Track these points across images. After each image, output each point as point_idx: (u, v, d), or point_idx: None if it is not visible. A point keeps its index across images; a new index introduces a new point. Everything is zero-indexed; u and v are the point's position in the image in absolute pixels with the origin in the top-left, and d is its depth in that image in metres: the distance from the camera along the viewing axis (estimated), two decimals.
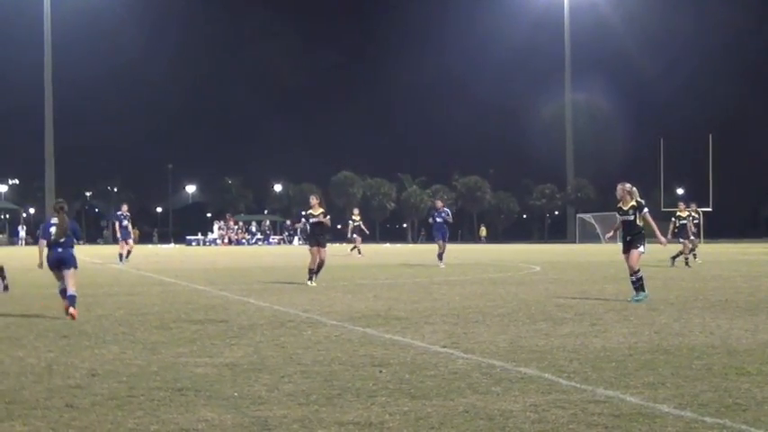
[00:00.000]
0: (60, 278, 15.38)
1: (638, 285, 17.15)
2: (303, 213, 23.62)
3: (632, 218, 17.18)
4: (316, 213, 22.95)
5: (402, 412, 7.44)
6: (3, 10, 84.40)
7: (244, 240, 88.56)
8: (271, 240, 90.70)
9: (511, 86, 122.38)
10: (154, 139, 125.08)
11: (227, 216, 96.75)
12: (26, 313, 15.41)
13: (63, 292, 15.12)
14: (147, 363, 9.92)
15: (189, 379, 8.91)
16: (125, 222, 36.99)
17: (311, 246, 22.98)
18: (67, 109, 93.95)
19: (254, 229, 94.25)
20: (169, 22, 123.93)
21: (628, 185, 17.48)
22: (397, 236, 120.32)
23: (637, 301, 16.82)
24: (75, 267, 15.40)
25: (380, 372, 9.25)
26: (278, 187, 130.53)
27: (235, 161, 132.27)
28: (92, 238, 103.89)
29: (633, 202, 17.26)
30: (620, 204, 17.49)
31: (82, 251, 54.74)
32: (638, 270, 17.12)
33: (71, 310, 14.55)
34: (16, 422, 7.13)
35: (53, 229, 15.40)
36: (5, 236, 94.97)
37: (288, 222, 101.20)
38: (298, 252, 53.98)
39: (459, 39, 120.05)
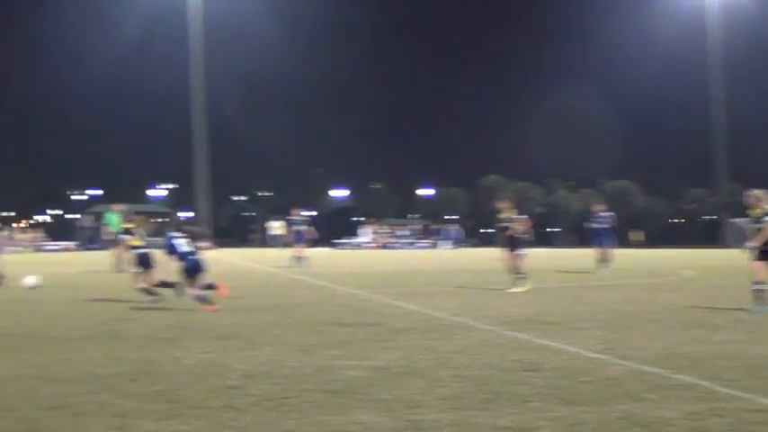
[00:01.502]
0: (193, 284, 16.85)
1: (759, 296, 16.28)
2: (499, 217, 23.27)
3: (761, 226, 16.38)
4: (506, 218, 22.81)
5: (556, 418, 7.37)
6: (153, 12, 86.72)
7: (393, 244, 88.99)
8: (418, 244, 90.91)
9: (655, 88, 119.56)
10: (303, 144, 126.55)
11: (371, 220, 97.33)
12: (183, 316, 15.76)
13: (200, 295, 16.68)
14: (301, 365, 10.05)
15: (342, 381, 8.99)
16: (299, 226, 37.01)
17: (504, 249, 22.87)
18: (221, 114, 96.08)
19: (401, 233, 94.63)
20: (318, 31, 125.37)
21: (756, 191, 16.77)
22: (546, 240, 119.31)
23: (757, 312, 15.91)
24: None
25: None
26: (425, 191, 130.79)
27: (382, 165, 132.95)
28: (242, 242, 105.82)
29: (759, 210, 16.48)
30: (749, 211, 16.84)
31: (239, 255, 55.84)
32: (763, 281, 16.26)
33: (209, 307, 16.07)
34: (176, 421, 7.30)
35: (181, 241, 17.31)
36: (160, 239, 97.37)
37: (435, 226, 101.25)
38: (443, 256, 54.01)
39: (601, 38, 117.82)
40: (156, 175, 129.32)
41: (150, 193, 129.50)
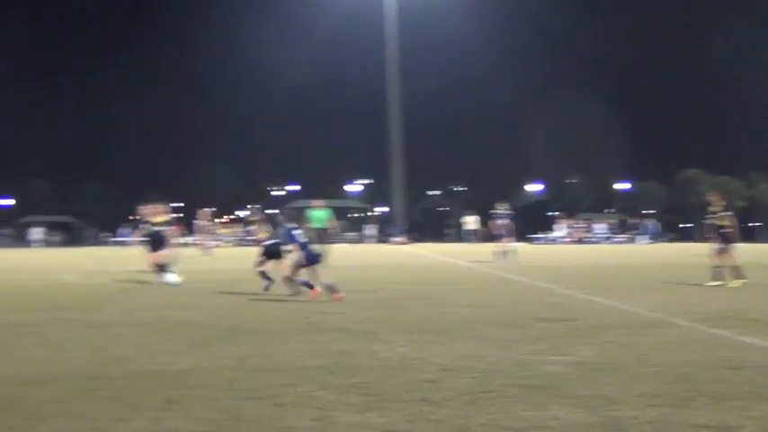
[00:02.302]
0: (312, 274, 17.92)
1: None
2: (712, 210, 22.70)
3: None
4: (715, 211, 22.30)
5: (758, 417, 7.17)
6: (350, 11, 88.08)
7: (589, 239, 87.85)
8: (615, 239, 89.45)
9: None
10: (497, 139, 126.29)
11: (564, 215, 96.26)
12: (380, 311, 15.94)
13: (327, 286, 17.75)
14: (498, 359, 10.04)
15: (539, 376, 8.94)
16: (503, 220, 36.92)
17: (713, 243, 22.36)
18: (417, 110, 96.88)
19: (597, 227, 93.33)
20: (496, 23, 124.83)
21: None
22: (748, 235, 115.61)
23: None
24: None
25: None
26: (621, 185, 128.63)
27: (578, 159, 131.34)
28: (437, 237, 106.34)
29: None
30: None
31: (433, 249, 56.17)
32: None
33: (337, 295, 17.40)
34: (373, 414, 7.40)
35: (299, 232, 18.17)
36: (357, 234, 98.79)
37: (632, 221, 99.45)
38: (641, 251, 52.99)
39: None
40: (353, 171, 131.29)
41: (347, 188, 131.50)
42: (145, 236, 24.11)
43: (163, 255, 23.43)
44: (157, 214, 24.07)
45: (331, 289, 17.76)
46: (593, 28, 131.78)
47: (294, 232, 18.32)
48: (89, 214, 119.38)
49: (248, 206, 34.39)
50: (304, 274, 18.22)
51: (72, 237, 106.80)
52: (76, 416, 7.35)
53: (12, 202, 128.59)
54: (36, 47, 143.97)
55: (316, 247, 18.53)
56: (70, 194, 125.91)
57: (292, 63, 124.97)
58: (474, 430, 6.86)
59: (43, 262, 42.19)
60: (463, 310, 15.66)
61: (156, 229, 23.77)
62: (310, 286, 17.95)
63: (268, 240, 20.01)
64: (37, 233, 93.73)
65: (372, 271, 29.82)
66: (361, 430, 6.88)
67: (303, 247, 18.19)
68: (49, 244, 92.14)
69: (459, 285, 22.05)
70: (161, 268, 23.10)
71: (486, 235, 62.45)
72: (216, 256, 43.50)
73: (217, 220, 70.65)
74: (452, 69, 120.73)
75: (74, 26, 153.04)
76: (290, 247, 18.50)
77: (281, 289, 18.70)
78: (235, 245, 69.98)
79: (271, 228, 19.88)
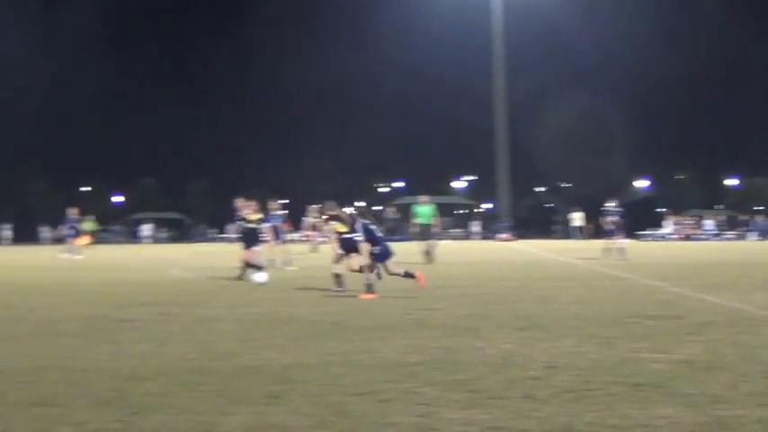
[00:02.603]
0: (387, 268, 18.56)
1: None
2: None
3: None
4: None
5: None
6: (456, 6, 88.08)
7: (697, 236, 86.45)
8: (724, 236, 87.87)
9: None
10: (603, 135, 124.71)
11: (671, 211, 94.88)
12: (483, 307, 15.89)
13: (407, 274, 18.61)
14: (603, 357, 9.92)
15: (645, 374, 8.80)
16: (612, 217, 36.48)
17: None
18: (522, 106, 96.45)
19: (706, 224, 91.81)
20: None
21: None
22: None
23: None
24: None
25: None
26: (730, 181, 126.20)
27: (685, 156, 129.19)
28: (543, 234, 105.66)
29: None
30: None
31: (539, 246, 55.84)
32: None
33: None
34: (478, 410, 7.36)
35: (374, 227, 18.63)
36: (463, 230, 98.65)
37: (742, 217, 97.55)
38: (750, 248, 51.96)
39: None
40: (459, 167, 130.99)
41: (453, 185, 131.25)
42: (239, 232, 24.34)
43: (254, 252, 23.62)
44: (251, 211, 24.28)
45: (369, 288, 18.07)
46: (715, 24, 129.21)
47: (370, 227, 18.65)
48: (197, 211, 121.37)
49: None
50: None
51: (181, 233, 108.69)
52: (182, 410, 7.45)
53: (122, 199, 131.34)
54: (146, 46, 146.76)
55: (389, 244, 18.87)
56: (179, 191, 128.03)
57: (400, 60, 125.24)
58: (578, 428, 6.79)
59: (152, 258, 42.99)
60: (568, 307, 15.52)
61: (250, 226, 23.97)
62: (411, 275, 18.52)
63: (345, 234, 20.09)
64: (146, 230, 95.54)
65: (477, 267, 29.76)
66: (466, 427, 6.85)
67: (377, 242, 18.46)
68: (157, 240, 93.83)
69: (565, 282, 21.86)
70: (251, 266, 23.32)
71: (593, 231, 61.76)
72: (323, 252, 43.87)
73: (324, 217, 70.95)
74: (559, 65, 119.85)
75: (177, 23, 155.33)
76: (363, 241, 18.63)
77: (384, 285, 18.74)
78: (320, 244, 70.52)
79: (348, 221, 19.94)
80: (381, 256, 18.57)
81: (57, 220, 63.56)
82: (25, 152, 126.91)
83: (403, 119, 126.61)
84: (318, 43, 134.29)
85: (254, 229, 23.89)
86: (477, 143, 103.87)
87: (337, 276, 19.38)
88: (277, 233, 29.56)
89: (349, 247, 19.41)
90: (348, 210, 20.40)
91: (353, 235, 19.01)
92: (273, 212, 30.67)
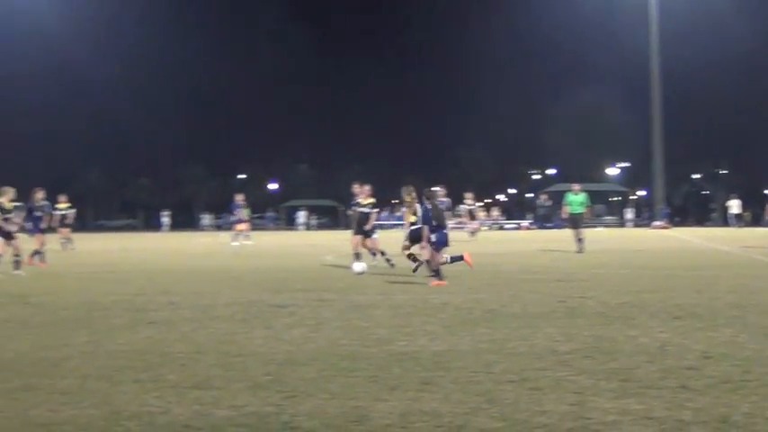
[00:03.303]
0: (437, 256, 18.39)
1: None
2: None
3: None
4: None
5: None
6: None
7: None
8: None
9: None
10: (761, 121, 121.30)
11: None
12: (636, 295, 15.65)
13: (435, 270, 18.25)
14: (762, 347, 9.67)
15: None
16: None
17: None
18: (677, 91, 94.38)
19: None
20: None
21: None
22: None
23: None
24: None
25: None
26: None
27: None
28: (700, 222, 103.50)
29: None
30: None
31: (695, 234, 54.66)
32: None
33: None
34: (632, 399, 7.27)
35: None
36: (616, 218, 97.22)
37: None
38: None
39: None
40: (613, 154, 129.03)
41: (608, 171, 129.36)
42: (354, 218, 24.20)
43: (367, 241, 23.62)
44: (365, 195, 24.17)
45: (437, 274, 18.16)
46: None
47: (429, 213, 18.59)
48: (350, 198, 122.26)
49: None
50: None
51: (334, 220, 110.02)
52: (337, 395, 7.56)
53: (277, 186, 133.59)
54: (303, 34, 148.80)
55: (445, 232, 18.78)
56: (333, 178, 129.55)
57: (553, 46, 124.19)
58: (736, 419, 6.65)
59: (307, 245, 43.59)
60: (725, 295, 15.16)
61: (364, 210, 23.86)
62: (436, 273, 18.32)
63: (414, 225, 20.16)
64: (301, 216, 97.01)
65: (630, 255, 29.31)
66: (619, 416, 6.78)
67: (434, 228, 18.43)
68: (311, 227, 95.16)
69: (722, 271, 21.34)
70: (372, 252, 23.40)
71: (752, 219, 60.08)
72: (480, 240, 43.92)
73: (478, 204, 70.85)
74: (715, 49, 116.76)
75: (337, 16, 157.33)
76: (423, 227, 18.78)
77: (536, 273, 18.61)
78: (492, 229, 70.38)
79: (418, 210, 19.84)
80: (438, 244, 18.49)
81: (218, 207, 65.22)
82: (183, 140, 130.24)
83: (556, 104, 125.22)
84: (471, 31, 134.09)
85: (366, 214, 23.78)
86: (633, 129, 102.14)
87: (409, 256, 20.45)
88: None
89: (415, 237, 19.51)
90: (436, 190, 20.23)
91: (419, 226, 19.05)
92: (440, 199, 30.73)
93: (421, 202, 19.18)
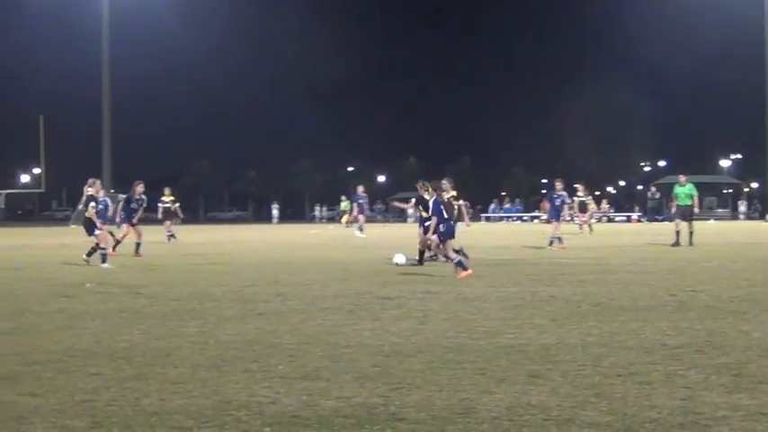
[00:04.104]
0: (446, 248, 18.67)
1: None
2: None
3: None
4: None
5: None
6: None
7: None
8: None
9: None
10: None
11: None
12: (747, 288, 15.36)
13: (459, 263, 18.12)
14: None
15: None
16: None
17: None
18: None
19: None
20: None
21: None
22: None
23: None
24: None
25: None
26: None
27: None
28: None
29: None
30: None
31: None
32: None
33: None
34: (743, 395, 7.14)
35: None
36: (729, 210, 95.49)
37: None
38: None
39: None
40: (726, 145, 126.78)
41: (721, 163, 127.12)
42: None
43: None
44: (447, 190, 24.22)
45: (460, 265, 18.06)
46: None
47: (441, 206, 18.76)
48: (457, 190, 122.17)
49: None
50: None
51: None
52: (444, 387, 7.55)
53: (384, 178, 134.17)
54: (413, 31, 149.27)
55: (452, 224, 19.04)
56: (440, 171, 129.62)
57: (663, 34, 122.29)
58: None
59: (414, 237, 43.62)
60: None
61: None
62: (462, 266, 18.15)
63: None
64: (410, 209, 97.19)
65: (743, 248, 28.77)
66: (730, 412, 6.65)
67: (443, 220, 18.54)
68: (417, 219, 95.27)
69: None
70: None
71: None
72: (595, 231, 43.64)
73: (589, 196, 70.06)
74: None
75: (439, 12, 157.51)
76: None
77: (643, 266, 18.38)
78: (604, 221, 69.75)
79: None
80: (446, 235, 18.68)
81: (326, 199, 66.04)
82: (292, 133, 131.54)
83: (666, 95, 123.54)
84: (582, 20, 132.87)
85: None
86: (746, 120, 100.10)
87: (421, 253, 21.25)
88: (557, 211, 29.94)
89: (450, 233, 19.55)
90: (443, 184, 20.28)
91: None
92: (558, 193, 30.62)
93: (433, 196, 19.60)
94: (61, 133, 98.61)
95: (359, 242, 37.18)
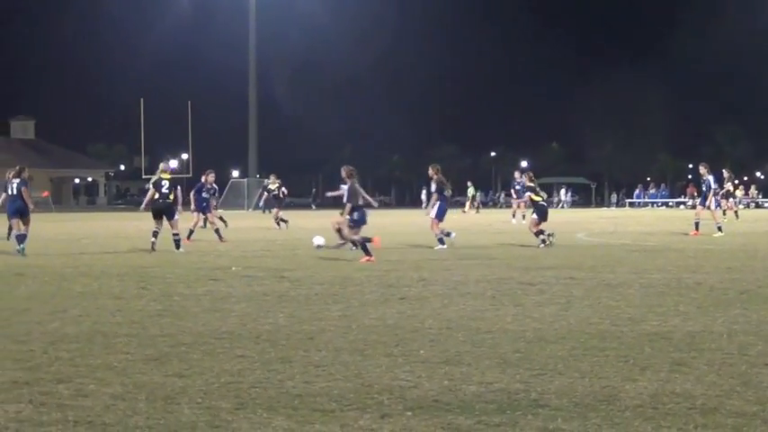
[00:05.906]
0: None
1: None
2: None
3: None
4: None
5: None
6: None
7: None
8: None
9: None
10: None
11: None
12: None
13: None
14: None
15: None
16: None
17: None
18: None
19: None
20: None
21: None
22: None
23: None
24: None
25: None
26: None
27: None
28: None
29: None
30: None
31: None
32: None
33: None
34: None
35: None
36: None
37: None
38: None
39: None
40: None
41: None
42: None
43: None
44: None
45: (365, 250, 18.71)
46: None
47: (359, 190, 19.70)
48: (603, 174, 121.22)
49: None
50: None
51: (587, 198, 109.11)
52: (586, 374, 7.49)
53: (526, 163, 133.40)
54: (556, 17, 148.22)
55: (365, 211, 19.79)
56: (583, 156, 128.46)
57: None
58: None
59: (559, 222, 43.33)
60: None
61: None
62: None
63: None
64: (562, 194, 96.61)
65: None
66: None
67: (355, 208, 19.32)
68: (566, 204, 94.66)
69: None
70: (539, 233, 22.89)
71: None
72: (733, 218, 42.62)
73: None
74: None
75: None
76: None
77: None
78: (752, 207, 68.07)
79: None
80: (358, 222, 19.44)
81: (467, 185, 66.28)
82: (435, 119, 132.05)
83: None
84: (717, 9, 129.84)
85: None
86: None
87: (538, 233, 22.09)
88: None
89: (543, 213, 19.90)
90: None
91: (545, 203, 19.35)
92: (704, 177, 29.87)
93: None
94: (208, 121, 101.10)
95: (503, 227, 37.01)
